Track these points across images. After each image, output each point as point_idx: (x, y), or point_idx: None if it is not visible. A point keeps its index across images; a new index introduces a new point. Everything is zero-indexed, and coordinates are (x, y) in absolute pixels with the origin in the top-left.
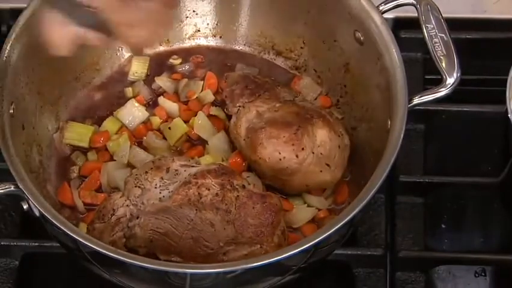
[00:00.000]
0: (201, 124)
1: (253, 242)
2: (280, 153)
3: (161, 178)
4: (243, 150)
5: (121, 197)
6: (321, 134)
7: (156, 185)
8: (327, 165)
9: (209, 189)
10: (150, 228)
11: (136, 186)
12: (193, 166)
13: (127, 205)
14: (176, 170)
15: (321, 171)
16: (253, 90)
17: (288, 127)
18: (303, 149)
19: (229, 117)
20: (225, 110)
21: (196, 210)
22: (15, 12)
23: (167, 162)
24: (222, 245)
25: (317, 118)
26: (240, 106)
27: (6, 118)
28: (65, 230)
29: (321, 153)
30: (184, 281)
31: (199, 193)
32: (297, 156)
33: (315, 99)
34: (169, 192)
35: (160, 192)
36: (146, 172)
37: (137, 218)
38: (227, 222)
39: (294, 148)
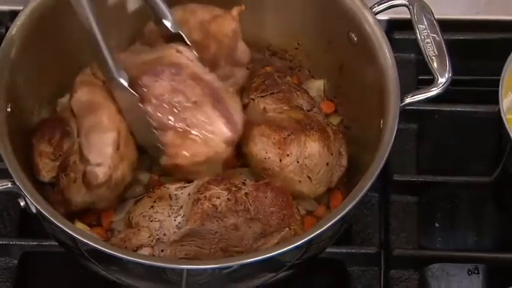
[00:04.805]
0: None
1: (281, 227)
2: (266, 153)
3: (170, 206)
4: (241, 140)
5: (149, 237)
6: (313, 147)
7: (168, 213)
8: (309, 178)
9: (219, 198)
10: (178, 257)
11: (151, 221)
12: (185, 187)
13: (151, 246)
14: (175, 195)
15: (300, 181)
16: (268, 87)
17: (281, 130)
18: (288, 155)
19: None
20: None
21: (218, 220)
22: (15, 14)
23: (163, 190)
24: (251, 243)
25: (316, 131)
26: (251, 99)
27: (3, 116)
28: (61, 226)
29: (306, 165)
30: (181, 276)
31: (213, 205)
32: (280, 160)
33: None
34: (182, 217)
35: (174, 220)
36: (152, 207)
37: (162, 251)
38: (250, 220)
39: (279, 152)
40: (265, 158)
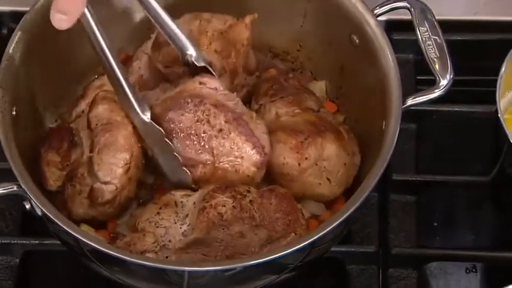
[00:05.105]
0: None
1: (287, 232)
2: (284, 159)
3: (176, 213)
4: None
5: (153, 243)
6: (330, 149)
7: (174, 220)
8: (328, 179)
9: (225, 206)
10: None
11: (157, 227)
12: (190, 195)
13: (156, 252)
14: (181, 202)
15: (320, 184)
16: (276, 92)
17: (297, 134)
18: (306, 158)
19: None
20: (247, 105)
21: (223, 229)
22: (16, 15)
23: (169, 197)
24: (257, 249)
25: (331, 132)
26: (260, 104)
27: (9, 120)
28: (67, 229)
29: (325, 167)
30: (182, 278)
31: (218, 213)
32: (299, 164)
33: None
34: (187, 225)
35: (180, 227)
36: (158, 213)
37: (167, 257)
38: (256, 226)
39: (298, 156)
40: (283, 164)
